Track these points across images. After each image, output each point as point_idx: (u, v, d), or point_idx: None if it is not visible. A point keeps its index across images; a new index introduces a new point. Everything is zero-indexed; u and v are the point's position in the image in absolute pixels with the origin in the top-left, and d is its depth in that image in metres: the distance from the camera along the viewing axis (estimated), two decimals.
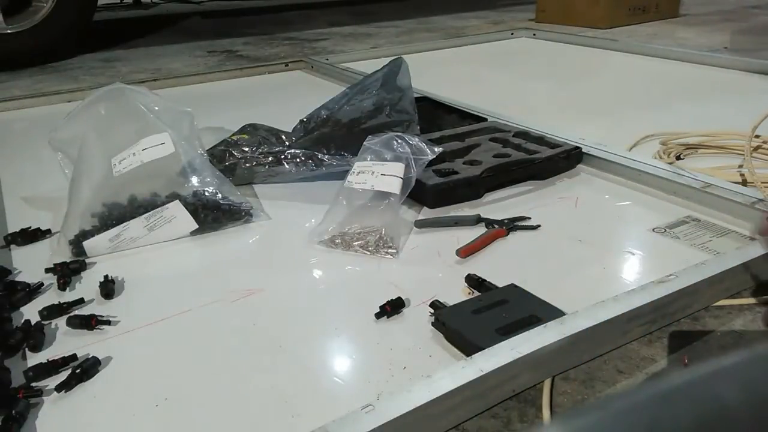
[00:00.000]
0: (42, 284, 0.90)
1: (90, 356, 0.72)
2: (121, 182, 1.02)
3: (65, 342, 0.77)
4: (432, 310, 0.78)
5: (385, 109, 1.24)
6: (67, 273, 0.91)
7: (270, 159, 1.20)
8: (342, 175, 1.08)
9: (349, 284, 0.89)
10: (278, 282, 0.90)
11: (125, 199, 1.02)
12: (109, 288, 0.87)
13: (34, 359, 0.74)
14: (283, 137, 1.28)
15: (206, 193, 1.04)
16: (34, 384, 0.70)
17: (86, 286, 0.90)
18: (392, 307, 0.80)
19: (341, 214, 1.01)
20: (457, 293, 0.83)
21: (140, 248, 1.00)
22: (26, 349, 0.76)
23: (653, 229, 1.00)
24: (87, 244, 0.96)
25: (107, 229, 0.98)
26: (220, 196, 1.05)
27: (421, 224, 1.04)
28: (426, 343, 0.75)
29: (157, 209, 1.00)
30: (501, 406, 0.67)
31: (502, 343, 0.68)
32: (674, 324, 0.79)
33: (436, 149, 1.08)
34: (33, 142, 1.58)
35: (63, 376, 0.70)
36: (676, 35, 2.87)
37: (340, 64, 2.26)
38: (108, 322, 0.80)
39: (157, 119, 1.09)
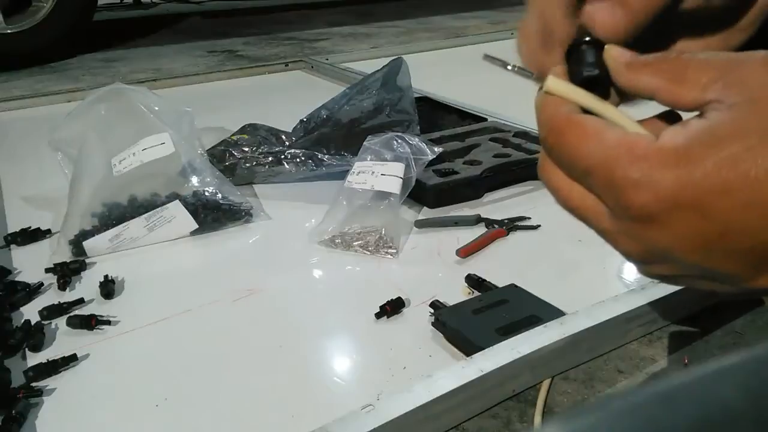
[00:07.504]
0: (42, 284, 0.89)
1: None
2: (121, 182, 1.02)
3: (65, 342, 0.77)
4: (432, 310, 0.78)
5: (385, 109, 1.24)
6: (67, 273, 0.90)
7: (270, 159, 1.20)
8: (342, 175, 1.07)
9: (349, 284, 0.89)
10: (278, 282, 0.90)
11: (125, 199, 1.01)
12: (109, 288, 0.87)
13: (34, 359, 0.74)
14: (283, 137, 1.28)
15: (206, 193, 1.04)
16: (34, 384, 0.69)
17: (86, 286, 0.90)
18: (392, 307, 0.80)
19: (341, 214, 1.00)
20: (457, 293, 0.83)
21: (140, 248, 0.99)
22: (26, 349, 0.76)
23: None
24: (87, 244, 0.96)
25: (107, 229, 0.97)
26: (220, 196, 1.05)
27: (421, 224, 1.04)
28: (426, 343, 0.75)
29: (157, 209, 1.00)
30: (501, 406, 0.67)
31: (502, 343, 0.68)
32: (674, 324, 0.79)
33: (436, 149, 1.08)
34: (33, 142, 1.58)
35: (63, 376, 0.71)
36: None
37: (340, 64, 2.26)
38: (108, 322, 0.80)
39: (157, 119, 1.09)
